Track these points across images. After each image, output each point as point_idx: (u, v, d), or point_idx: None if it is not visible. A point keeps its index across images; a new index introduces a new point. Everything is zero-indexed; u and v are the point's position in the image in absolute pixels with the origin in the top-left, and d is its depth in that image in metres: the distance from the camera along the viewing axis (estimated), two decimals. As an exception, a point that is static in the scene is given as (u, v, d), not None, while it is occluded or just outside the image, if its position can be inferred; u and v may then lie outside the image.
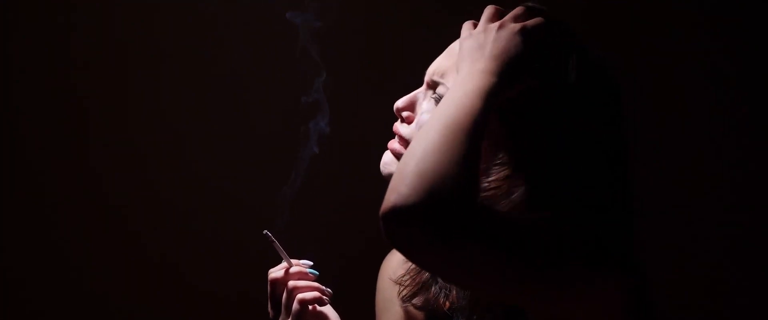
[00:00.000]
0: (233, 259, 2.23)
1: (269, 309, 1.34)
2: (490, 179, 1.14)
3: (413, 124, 1.23)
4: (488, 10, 1.15)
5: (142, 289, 2.25)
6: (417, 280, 1.30)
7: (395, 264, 1.39)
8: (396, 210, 0.99)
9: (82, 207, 2.24)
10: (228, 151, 2.23)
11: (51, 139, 2.25)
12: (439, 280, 1.26)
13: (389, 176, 1.22)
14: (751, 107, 2.13)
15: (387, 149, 1.25)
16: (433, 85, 1.22)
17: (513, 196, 1.13)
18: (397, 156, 1.24)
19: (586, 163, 1.14)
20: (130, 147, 2.24)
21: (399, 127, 1.25)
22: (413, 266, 1.31)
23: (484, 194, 1.12)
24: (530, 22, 1.12)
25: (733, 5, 2.11)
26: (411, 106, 1.24)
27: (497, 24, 1.12)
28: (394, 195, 0.99)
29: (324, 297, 1.32)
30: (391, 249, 1.44)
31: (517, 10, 1.15)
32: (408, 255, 1.03)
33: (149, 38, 2.23)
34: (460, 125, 1.03)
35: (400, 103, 1.25)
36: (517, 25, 1.11)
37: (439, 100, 1.20)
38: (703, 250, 2.12)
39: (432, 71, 1.23)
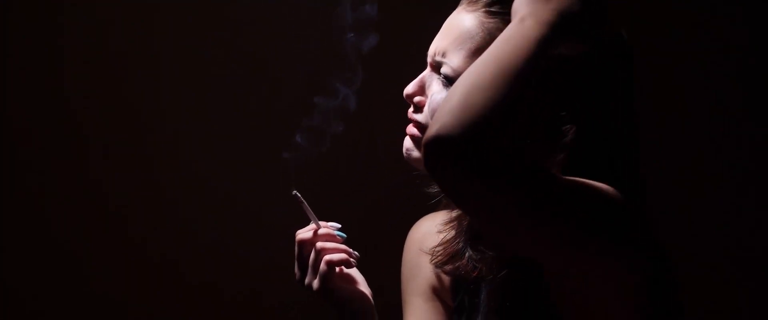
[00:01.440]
0: (234, 259, 2.23)
1: (296, 270, 1.36)
2: (527, 131, 1.16)
3: (426, 108, 1.24)
4: None
5: (143, 289, 2.24)
6: (449, 251, 1.32)
7: (421, 235, 1.41)
8: (438, 139, 1.01)
9: (82, 207, 2.24)
10: (229, 151, 2.23)
11: (51, 139, 2.24)
12: (470, 250, 1.28)
13: (413, 161, 1.25)
14: (751, 107, 2.13)
15: (406, 135, 1.27)
16: (437, 66, 1.23)
17: (543, 153, 1.16)
18: (416, 141, 1.24)
19: (616, 140, 1.17)
20: (130, 146, 2.24)
21: (413, 114, 1.26)
22: (446, 237, 1.33)
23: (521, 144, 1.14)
24: None
25: (733, 5, 2.11)
26: (420, 91, 1.26)
27: None
28: (438, 124, 1.01)
29: (351, 259, 1.33)
30: (416, 221, 1.47)
31: None
32: (444, 185, 1.05)
33: (149, 38, 2.23)
34: (513, 66, 1.04)
35: (409, 89, 1.26)
36: None
37: (446, 81, 1.21)
38: (703, 250, 2.12)
39: (433, 52, 1.24)
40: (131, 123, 2.24)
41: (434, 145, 1.01)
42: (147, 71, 2.23)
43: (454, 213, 1.34)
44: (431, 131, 1.01)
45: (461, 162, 1.00)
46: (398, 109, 1.37)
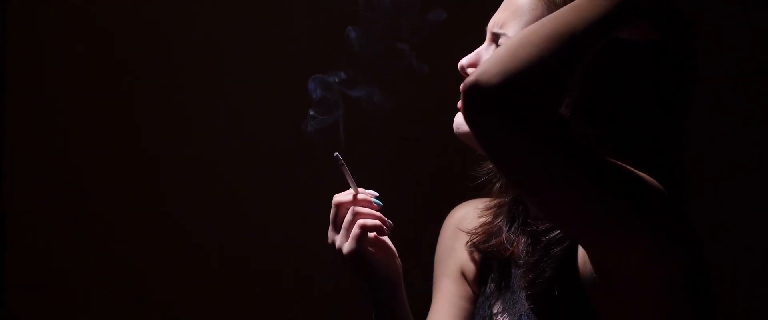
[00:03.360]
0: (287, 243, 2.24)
1: (329, 232, 1.37)
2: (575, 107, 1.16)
3: None
4: None
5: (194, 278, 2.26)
6: (487, 231, 1.34)
7: (459, 218, 1.43)
8: (477, 84, 1.01)
9: (129, 197, 2.25)
10: (278, 135, 2.24)
11: (100, 136, 2.25)
12: (505, 230, 1.30)
13: (463, 136, 1.25)
14: (751, 107, 2.14)
15: (458, 110, 1.27)
16: (496, 38, 1.24)
17: (590, 130, 1.16)
18: None
19: (670, 130, 1.17)
20: (182, 131, 2.25)
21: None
22: (486, 219, 1.35)
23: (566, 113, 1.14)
24: None
25: (733, 5, 2.12)
26: (475, 63, 1.26)
27: None
28: (480, 70, 1.02)
29: (384, 227, 1.35)
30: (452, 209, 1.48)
31: None
32: (479, 136, 1.04)
33: (205, 29, 2.24)
34: (571, 32, 1.03)
35: (464, 61, 1.27)
36: None
37: None
38: (705, 250, 2.12)
39: (492, 24, 1.25)
40: (186, 106, 2.26)
41: (472, 91, 1.01)
42: (201, 49, 2.24)
43: (495, 200, 1.35)
44: (474, 74, 1.02)
45: (496, 111, 1.00)
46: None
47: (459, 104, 1.26)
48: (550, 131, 1.01)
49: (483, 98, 1.01)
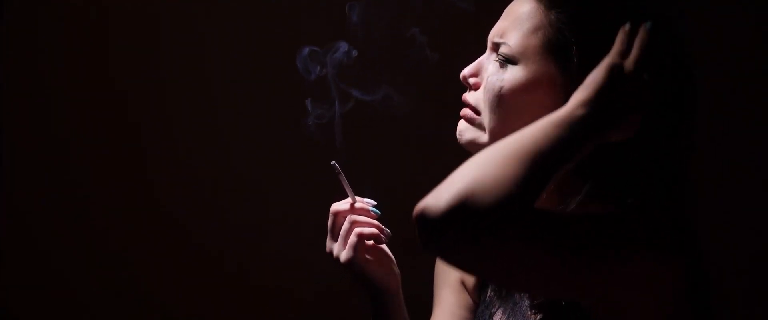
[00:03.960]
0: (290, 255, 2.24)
1: (327, 240, 1.37)
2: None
3: (480, 90, 1.24)
4: (620, 36, 1.10)
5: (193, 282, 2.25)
6: None
7: None
8: (424, 214, 1.01)
9: (125, 201, 2.25)
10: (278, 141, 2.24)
11: (102, 141, 2.25)
12: None
13: (466, 144, 1.25)
14: (751, 107, 2.14)
15: (460, 118, 1.27)
16: (496, 47, 1.24)
17: (571, 194, 1.15)
18: (469, 121, 1.25)
19: (658, 156, 1.16)
20: (175, 139, 2.25)
21: (467, 95, 1.26)
22: None
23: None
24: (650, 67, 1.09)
25: (733, 5, 2.12)
26: (477, 73, 1.25)
27: (622, 66, 1.08)
28: (430, 197, 1.01)
29: (382, 235, 1.35)
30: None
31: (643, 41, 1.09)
32: (433, 254, 1.04)
33: (196, 31, 2.24)
34: (535, 152, 1.02)
35: (466, 71, 1.26)
36: (633, 69, 1.08)
37: (503, 61, 1.21)
38: (704, 250, 2.12)
39: (493, 33, 1.25)
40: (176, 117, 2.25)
41: (420, 219, 1.01)
42: (190, 52, 2.24)
43: None
44: (421, 203, 1.01)
45: (444, 239, 1.00)
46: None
47: (462, 111, 1.26)
48: (506, 244, 1.00)
49: (430, 227, 1.00)
